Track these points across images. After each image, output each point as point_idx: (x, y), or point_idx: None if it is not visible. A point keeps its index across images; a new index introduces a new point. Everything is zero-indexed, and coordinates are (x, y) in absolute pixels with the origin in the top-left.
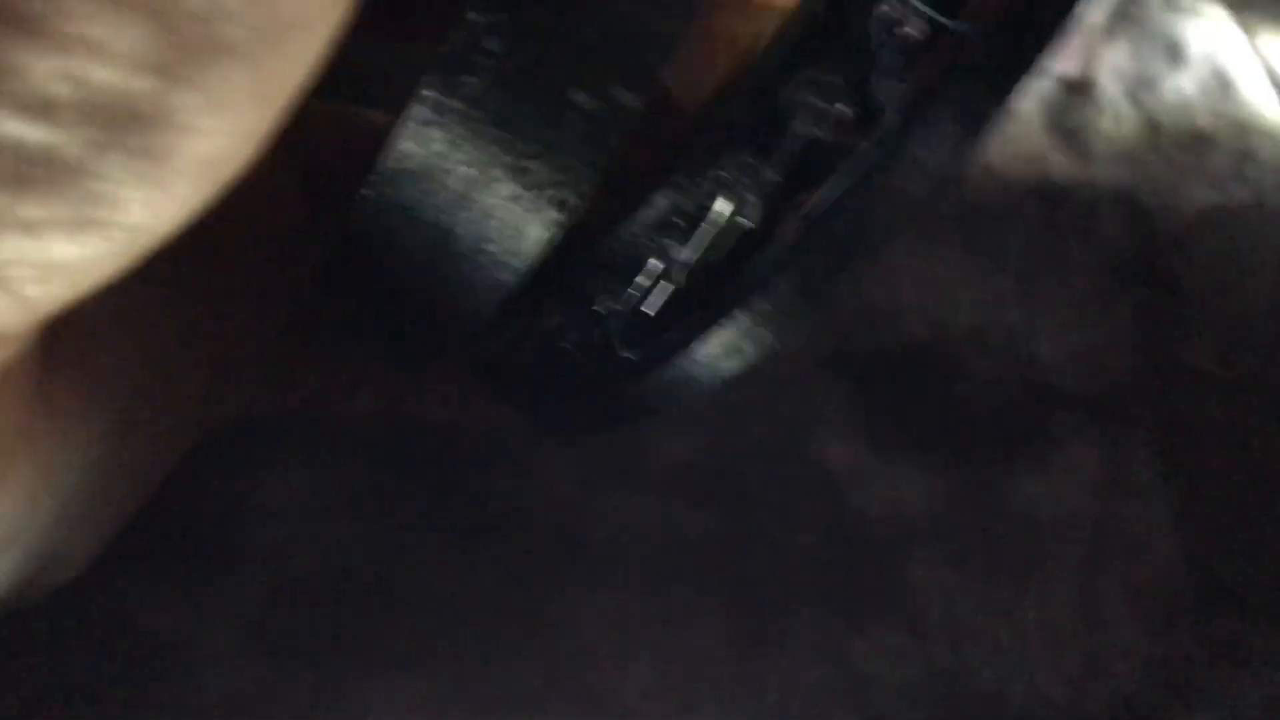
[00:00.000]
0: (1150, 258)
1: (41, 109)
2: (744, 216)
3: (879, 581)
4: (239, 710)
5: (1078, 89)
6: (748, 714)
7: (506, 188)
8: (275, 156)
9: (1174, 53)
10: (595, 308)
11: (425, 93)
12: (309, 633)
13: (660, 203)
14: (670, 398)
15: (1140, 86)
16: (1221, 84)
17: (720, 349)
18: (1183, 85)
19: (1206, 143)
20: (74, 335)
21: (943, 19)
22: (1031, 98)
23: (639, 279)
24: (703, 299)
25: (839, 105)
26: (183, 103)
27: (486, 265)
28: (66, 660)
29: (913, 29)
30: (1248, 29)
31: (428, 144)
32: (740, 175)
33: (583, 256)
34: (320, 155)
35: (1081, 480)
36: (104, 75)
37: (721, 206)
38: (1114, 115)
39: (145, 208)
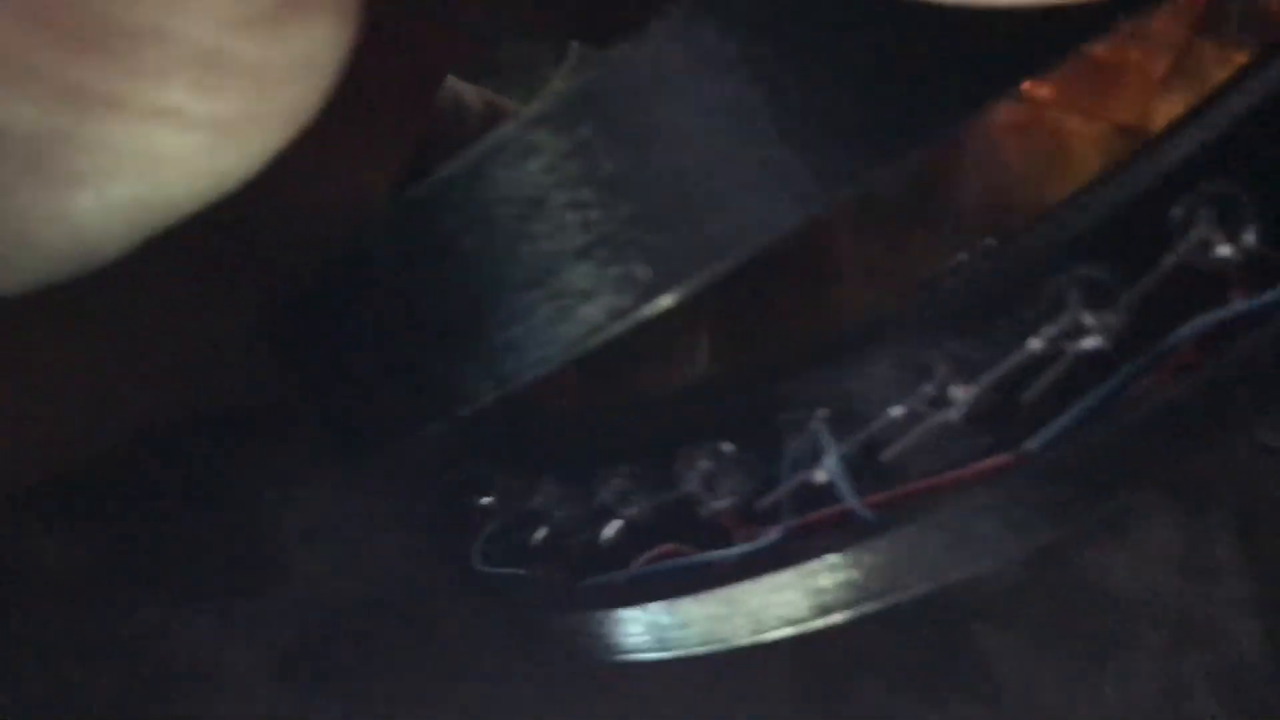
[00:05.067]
0: None
1: None
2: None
3: (952, 653)
4: None
5: None
6: None
7: (582, 237)
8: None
9: None
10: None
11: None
12: (339, 663)
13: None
14: None
15: None
16: None
17: None
18: None
19: None
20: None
21: None
22: None
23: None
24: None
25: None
26: None
27: (535, 321)
28: (83, 678)
29: None
30: None
31: (525, 158)
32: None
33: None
34: None
35: (1161, 558)
36: None
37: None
38: None
39: None
